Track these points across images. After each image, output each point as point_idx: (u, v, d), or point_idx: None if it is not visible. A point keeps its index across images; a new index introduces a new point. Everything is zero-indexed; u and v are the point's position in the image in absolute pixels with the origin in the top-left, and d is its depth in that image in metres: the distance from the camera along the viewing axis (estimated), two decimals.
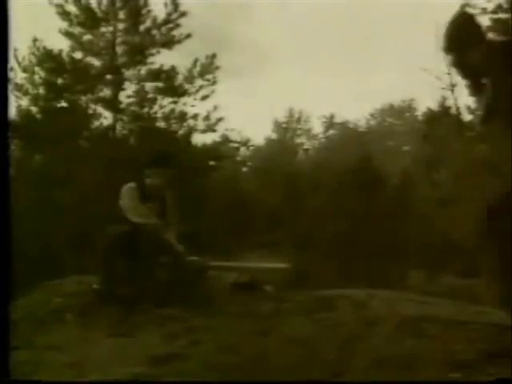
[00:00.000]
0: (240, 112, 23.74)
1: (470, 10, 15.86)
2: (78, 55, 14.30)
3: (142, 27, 14.47)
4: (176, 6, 14.29)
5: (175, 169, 4.33)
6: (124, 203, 4.06)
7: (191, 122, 14.67)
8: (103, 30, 14.46)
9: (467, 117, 17.54)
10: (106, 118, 14.53)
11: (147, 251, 3.86)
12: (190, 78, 14.51)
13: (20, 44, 13.65)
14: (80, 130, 14.06)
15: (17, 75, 13.79)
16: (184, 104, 14.59)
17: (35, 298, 4.19)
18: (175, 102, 14.55)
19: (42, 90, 14.07)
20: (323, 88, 46.50)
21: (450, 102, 16.31)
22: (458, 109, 15.94)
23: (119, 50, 14.49)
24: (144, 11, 14.44)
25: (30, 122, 13.39)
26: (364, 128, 40.23)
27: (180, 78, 14.54)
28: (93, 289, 3.94)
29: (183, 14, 14.36)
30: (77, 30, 14.33)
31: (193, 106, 14.58)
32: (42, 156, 13.98)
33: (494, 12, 16.52)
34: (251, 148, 27.47)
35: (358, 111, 54.66)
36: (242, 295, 3.93)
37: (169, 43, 14.42)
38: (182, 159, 11.11)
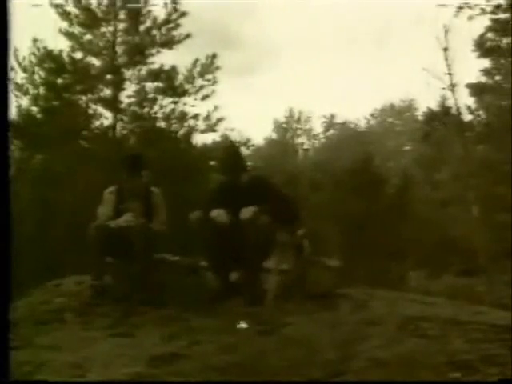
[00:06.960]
0: (240, 112, 23.66)
1: (469, 10, 15.87)
2: (78, 55, 14.28)
3: (142, 27, 14.46)
4: (176, 5, 14.29)
5: (149, 169, 4.34)
6: (98, 209, 4.15)
7: (191, 122, 14.64)
8: (103, 30, 14.44)
9: (467, 117, 17.59)
10: (106, 118, 14.53)
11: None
12: (190, 78, 14.48)
13: (20, 44, 13.63)
14: (80, 130, 14.03)
15: (17, 75, 13.78)
16: (184, 104, 14.56)
17: (35, 298, 4.19)
18: (175, 102, 14.52)
19: (42, 90, 14.05)
20: (323, 88, 46.50)
21: (449, 102, 16.33)
22: (458, 109, 15.95)
23: (119, 50, 14.47)
24: (144, 11, 14.44)
25: (30, 122, 13.36)
26: (364, 128, 40.25)
27: (180, 78, 14.51)
28: (91, 284, 3.95)
29: (183, 14, 14.33)
30: (77, 30, 14.31)
31: (193, 106, 14.56)
32: (42, 156, 13.94)
33: (493, 12, 16.56)
34: (251, 148, 27.49)
35: (357, 111, 54.65)
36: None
37: (169, 43, 14.39)
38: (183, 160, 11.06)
